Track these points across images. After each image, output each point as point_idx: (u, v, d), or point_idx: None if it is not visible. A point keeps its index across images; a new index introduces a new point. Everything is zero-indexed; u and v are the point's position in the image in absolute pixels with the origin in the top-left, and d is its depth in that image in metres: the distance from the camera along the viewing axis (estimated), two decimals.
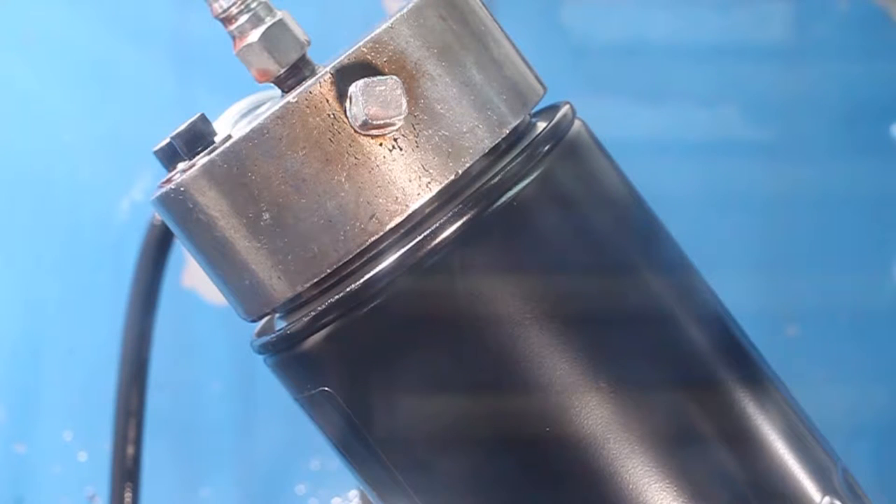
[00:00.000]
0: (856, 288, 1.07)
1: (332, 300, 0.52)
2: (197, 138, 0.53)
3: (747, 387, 0.55)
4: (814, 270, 1.06)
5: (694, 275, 0.57)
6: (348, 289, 0.52)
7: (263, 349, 0.55)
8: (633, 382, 0.53)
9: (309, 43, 0.54)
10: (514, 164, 0.53)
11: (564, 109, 0.56)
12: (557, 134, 0.54)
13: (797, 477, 0.55)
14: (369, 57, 0.52)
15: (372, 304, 0.52)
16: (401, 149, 0.52)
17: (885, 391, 1.07)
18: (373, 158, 0.52)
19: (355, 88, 0.51)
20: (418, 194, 0.52)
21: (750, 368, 0.56)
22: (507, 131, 0.53)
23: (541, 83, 0.57)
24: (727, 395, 0.54)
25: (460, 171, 0.52)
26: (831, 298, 1.06)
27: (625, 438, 0.52)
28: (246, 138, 0.52)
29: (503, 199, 0.52)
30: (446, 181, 0.52)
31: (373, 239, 0.52)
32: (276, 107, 0.51)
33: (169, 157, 0.54)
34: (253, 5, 0.53)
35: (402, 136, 0.52)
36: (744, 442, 0.54)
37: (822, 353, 1.08)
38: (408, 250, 0.51)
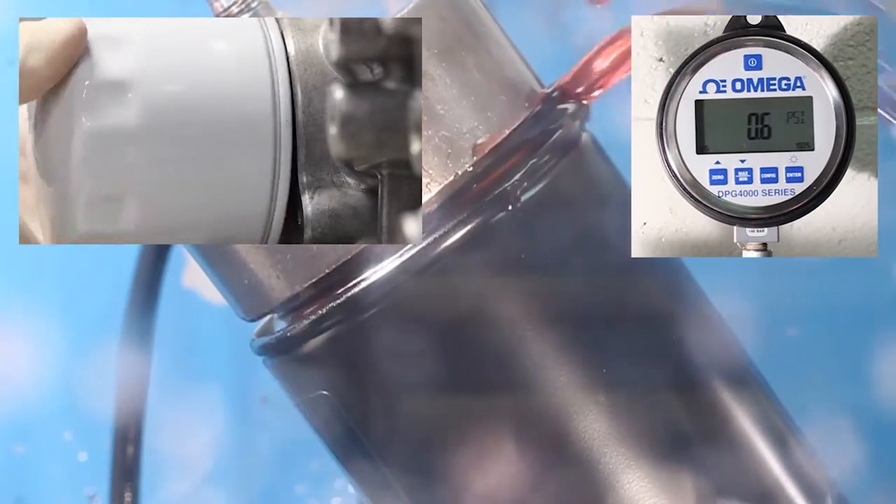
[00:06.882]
0: (856, 288, 1.06)
1: (334, 304, 0.52)
2: None
3: (745, 404, 0.55)
4: (814, 271, 1.05)
5: (692, 280, 0.57)
6: (350, 293, 0.51)
7: (263, 350, 0.55)
8: (631, 391, 0.53)
9: None
10: (518, 170, 0.53)
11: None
12: (561, 140, 0.54)
13: (792, 498, 0.55)
14: None
15: (374, 309, 0.51)
16: None
17: (885, 391, 1.07)
18: None
19: None
20: None
21: (749, 384, 0.56)
22: (508, 132, 0.53)
23: (541, 83, 0.57)
24: (724, 410, 0.54)
25: (460, 172, 0.52)
26: (831, 298, 1.06)
27: (622, 453, 0.52)
28: None
29: (508, 206, 0.52)
30: (445, 182, 0.52)
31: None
32: None
33: None
34: (253, 5, 0.53)
35: None
36: (739, 458, 0.54)
37: (822, 353, 1.07)
38: (411, 256, 0.51)
